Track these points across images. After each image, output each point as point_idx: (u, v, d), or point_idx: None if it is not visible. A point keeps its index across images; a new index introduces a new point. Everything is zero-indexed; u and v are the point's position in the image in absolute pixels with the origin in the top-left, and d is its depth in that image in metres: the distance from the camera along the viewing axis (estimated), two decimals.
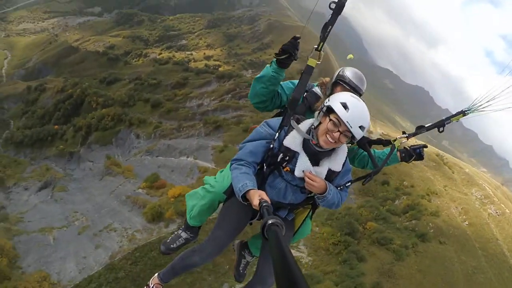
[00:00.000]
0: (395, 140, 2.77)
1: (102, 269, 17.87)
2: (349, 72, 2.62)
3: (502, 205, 26.31)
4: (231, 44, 79.34)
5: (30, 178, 37.64)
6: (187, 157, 35.06)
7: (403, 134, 2.83)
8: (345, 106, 2.00)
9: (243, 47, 78.94)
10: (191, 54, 71.20)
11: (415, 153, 2.73)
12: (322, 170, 2.23)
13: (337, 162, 2.27)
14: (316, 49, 2.33)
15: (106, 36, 77.11)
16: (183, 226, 2.97)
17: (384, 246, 19.10)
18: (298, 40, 2.30)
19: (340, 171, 2.32)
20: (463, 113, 2.69)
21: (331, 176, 2.29)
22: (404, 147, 2.78)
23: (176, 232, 2.97)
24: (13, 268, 18.42)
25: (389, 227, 21.22)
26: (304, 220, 2.65)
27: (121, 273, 17.53)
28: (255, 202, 1.87)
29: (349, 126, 2.00)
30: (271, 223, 1.37)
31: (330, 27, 2.27)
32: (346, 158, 2.34)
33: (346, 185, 2.42)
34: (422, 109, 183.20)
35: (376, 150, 2.91)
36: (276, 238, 1.22)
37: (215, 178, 2.74)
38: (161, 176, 29.45)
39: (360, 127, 2.04)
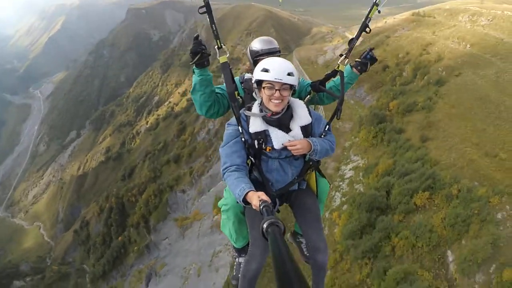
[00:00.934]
0: (338, 67, 3.07)
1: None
2: (256, 44, 3.10)
3: (492, 11, 27.68)
4: (191, 69, 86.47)
5: (132, 286, 44.59)
6: None
7: (340, 56, 3.11)
8: (265, 70, 2.37)
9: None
10: (170, 102, 78.25)
11: (368, 59, 3.04)
12: (296, 131, 2.59)
13: (302, 116, 2.62)
14: (218, 48, 2.74)
15: (97, 146, 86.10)
16: (236, 254, 3.30)
17: (413, 111, 20.89)
18: (200, 38, 2.72)
19: (311, 122, 2.68)
20: (375, 4, 2.96)
21: (307, 130, 2.66)
22: (355, 60, 3.08)
23: (235, 263, 3.28)
24: None
25: (409, 96, 23.02)
26: (316, 180, 3.00)
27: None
28: (255, 203, 2.07)
29: (279, 80, 2.34)
30: (270, 223, 1.53)
31: (213, 25, 2.68)
32: (308, 108, 2.71)
33: (325, 129, 2.76)
34: None
35: (334, 80, 3.19)
36: (274, 239, 1.34)
37: (225, 197, 3.02)
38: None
39: (288, 74, 2.36)
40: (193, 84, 2.89)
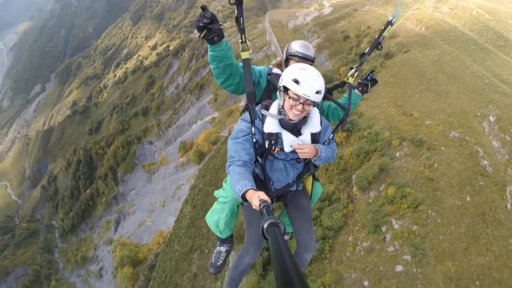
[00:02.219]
0: (348, 79, 3.27)
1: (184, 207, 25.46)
2: (295, 45, 3.13)
3: (459, 1, 29.05)
4: (163, 22, 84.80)
5: (101, 238, 46.53)
6: (195, 123, 42.00)
7: (351, 69, 3.31)
8: (296, 81, 2.40)
9: (175, 17, 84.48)
10: (139, 56, 77.21)
11: (368, 81, 3.30)
12: (306, 136, 2.72)
13: (314, 124, 2.76)
14: (242, 42, 2.64)
15: (63, 100, 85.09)
16: (218, 243, 3.49)
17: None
18: (206, 8, 2.44)
19: (320, 130, 2.82)
20: (390, 24, 3.14)
21: (315, 137, 2.79)
22: (358, 82, 3.33)
23: (215, 251, 3.48)
24: None
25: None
26: (312, 183, 3.24)
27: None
28: (255, 202, 2.11)
29: (307, 97, 2.40)
30: (270, 223, 1.58)
31: (241, 18, 2.56)
32: (321, 117, 2.84)
33: (330, 138, 2.91)
34: None
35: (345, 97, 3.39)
36: (274, 239, 1.38)
37: (223, 189, 3.23)
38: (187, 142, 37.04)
39: (316, 92, 2.42)
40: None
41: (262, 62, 34.76)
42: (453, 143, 14.50)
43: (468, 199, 12.26)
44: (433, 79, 19.79)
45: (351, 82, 3.27)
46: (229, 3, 2.49)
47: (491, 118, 16.10)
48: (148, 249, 28.87)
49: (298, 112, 2.51)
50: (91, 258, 44.25)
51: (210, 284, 18.33)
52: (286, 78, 2.45)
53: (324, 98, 3.10)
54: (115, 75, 75.91)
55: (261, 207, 1.96)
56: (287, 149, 2.66)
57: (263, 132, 2.66)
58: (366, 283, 11.27)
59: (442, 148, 14.45)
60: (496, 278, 10.46)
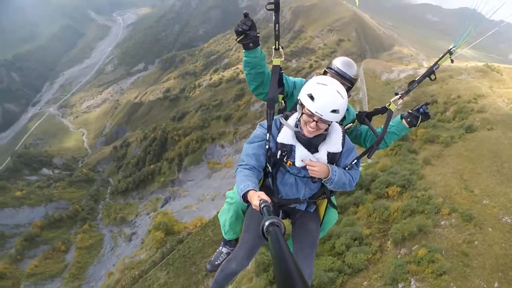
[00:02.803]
0: (389, 105, 3.06)
1: None
2: (336, 60, 3.11)
3: None
4: (267, 45, 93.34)
5: (145, 209, 52.22)
6: None
7: (395, 95, 3.11)
8: (311, 97, 2.31)
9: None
10: (237, 68, 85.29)
11: (420, 114, 3.03)
12: (322, 155, 2.60)
13: (333, 143, 2.61)
14: (275, 49, 2.75)
15: (159, 84, 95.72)
16: (222, 243, 3.54)
17: (434, 142, 23.80)
18: (249, 16, 2.61)
19: (341, 151, 2.67)
20: (449, 52, 2.91)
21: (334, 158, 2.66)
22: (408, 112, 3.10)
23: (218, 250, 3.53)
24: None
25: (438, 130, 25.83)
26: (326, 208, 3.07)
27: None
28: (255, 202, 2.12)
29: (319, 115, 2.30)
30: (270, 223, 1.56)
31: (277, 25, 2.69)
32: (344, 137, 2.68)
33: (353, 163, 2.74)
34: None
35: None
36: (275, 238, 1.38)
37: (233, 190, 3.20)
38: None
39: (332, 111, 2.30)
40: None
41: None
42: (502, 227, 14.32)
43: (496, 285, 11.84)
44: (508, 161, 19.45)
45: (392, 109, 3.08)
46: (266, 9, 2.64)
47: None
48: (184, 227, 33.17)
49: (312, 129, 2.43)
50: (128, 221, 49.60)
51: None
52: (303, 92, 2.39)
53: (361, 122, 3.16)
54: (211, 78, 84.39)
55: (261, 207, 1.97)
56: (298, 163, 2.59)
57: (277, 141, 2.61)
58: None
59: (489, 229, 14.31)
60: None
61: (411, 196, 17.07)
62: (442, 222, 14.86)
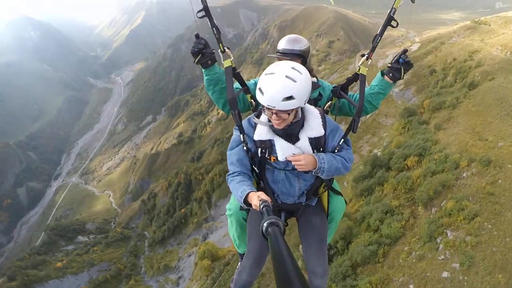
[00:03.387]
0: (359, 69, 2.91)
1: None
2: (280, 42, 3.12)
3: None
4: (263, 66, 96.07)
5: (186, 252, 53.57)
6: None
7: (362, 56, 2.95)
8: (260, 90, 2.23)
9: (273, 61, 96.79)
10: None
11: (401, 64, 2.87)
12: (303, 142, 2.51)
13: (313, 128, 2.51)
14: (222, 52, 2.83)
15: (171, 131, 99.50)
16: (239, 258, 3.53)
17: (441, 108, 24.45)
18: (199, 36, 2.79)
19: (326, 134, 2.58)
20: None
21: (319, 143, 2.57)
22: (388, 67, 2.95)
23: (238, 267, 3.29)
24: None
25: (443, 96, 26.39)
26: (329, 197, 2.96)
27: None
28: (255, 202, 2.13)
29: (272, 107, 2.22)
30: (269, 223, 1.57)
31: (214, 29, 2.80)
32: (324, 118, 2.58)
33: (341, 143, 2.62)
34: None
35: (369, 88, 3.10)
36: (274, 239, 1.40)
37: (230, 202, 3.18)
38: None
39: (285, 99, 2.19)
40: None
41: None
42: None
43: None
44: None
45: (363, 73, 2.88)
46: (197, 17, 2.72)
47: None
48: (228, 250, 34.34)
49: (277, 121, 2.36)
50: (173, 268, 51.07)
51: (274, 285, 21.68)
52: (257, 87, 2.30)
53: (338, 97, 3.04)
54: (218, 113, 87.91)
55: (261, 207, 1.96)
56: (280, 157, 2.52)
57: (254, 140, 2.57)
58: (411, 286, 11.71)
59: (509, 166, 14.69)
60: None
61: (429, 161, 17.77)
62: (464, 174, 15.39)
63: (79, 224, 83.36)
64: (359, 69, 2.95)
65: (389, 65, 2.96)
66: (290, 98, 2.21)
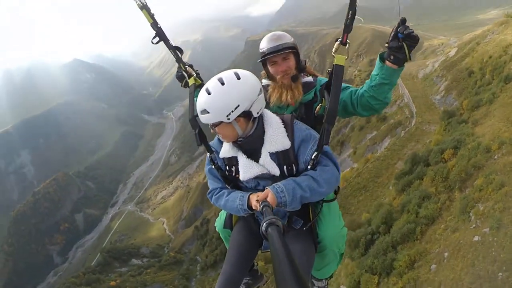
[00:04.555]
0: (334, 60, 2.46)
1: None
2: (263, 43, 2.74)
3: None
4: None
5: None
6: None
7: (335, 41, 2.47)
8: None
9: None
10: None
11: (402, 40, 2.25)
12: (264, 159, 2.33)
13: (272, 141, 2.30)
14: (184, 71, 2.98)
15: None
16: None
17: (479, 106, 24.62)
18: (184, 63, 2.99)
19: (293, 147, 2.32)
20: None
21: (287, 158, 2.32)
22: (386, 47, 2.40)
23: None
24: None
25: (482, 94, 26.58)
26: (315, 220, 2.57)
27: None
28: (254, 203, 2.13)
29: (202, 121, 2.23)
30: (269, 223, 1.56)
31: (171, 51, 2.95)
32: (291, 127, 2.35)
33: (313, 156, 2.29)
34: None
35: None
36: (272, 240, 1.39)
37: (218, 218, 3.08)
38: None
39: (202, 112, 2.17)
40: None
41: (396, 114, 37.96)
42: None
43: None
44: None
45: (339, 63, 2.40)
46: (152, 43, 2.84)
47: None
48: None
49: (220, 136, 2.36)
50: None
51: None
52: None
53: (323, 96, 2.67)
54: None
55: (261, 207, 1.95)
56: (242, 177, 2.38)
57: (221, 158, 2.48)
58: (446, 254, 12.04)
59: None
60: None
61: (463, 151, 18.15)
62: (495, 156, 15.64)
63: (134, 248, 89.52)
64: (335, 58, 2.41)
65: (387, 44, 2.36)
66: (204, 112, 2.16)
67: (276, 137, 2.31)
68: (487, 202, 12.81)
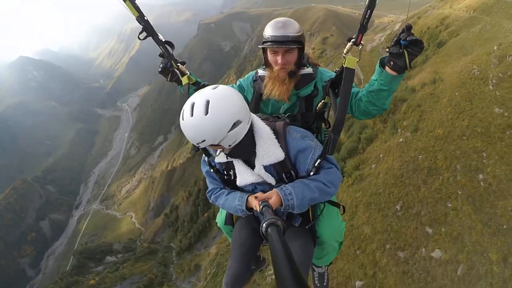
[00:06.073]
0: (345, 61, 2.29)
1: None
2: (267, 29, 2.62)
3: None
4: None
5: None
6: None
7: (348, 41, 2.27)
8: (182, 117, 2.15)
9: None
10: None
11: (404, 46, 2.17)
12: (259, 170, 2.38)
13: (264, 154, 2.32)
14: (176, 68, 2.93)
15: (183, 147, 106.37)
16: None
17: (414, 68, 26.82)
18: (164, 55, 2.92)
19: (288, 157, 2.36)
20: None
21: (285, 167, 2.37)
22: (387, 52, 2.30)
23: None
24: None
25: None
26: (315, 218, 2.64)
27: None
28: (254, 203, 2.19)
29: (197, 146, 2.18)
30: (269, 223, 1.61)
31: (160, 47, 2.89)
32: (284, 137, 2.35)
33: (316, 164, 2.33)
34: None
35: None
36: (274, 240, 1.41)
37: (217, 215, 3.17)
38: None
39: (201, 142, 2.10)
40: None
41: None
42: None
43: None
44: (471, 47, 22.62)
45: (350, 66, 2.26)
46: (139, 38, 2.80)
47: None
48: None
49: (216, 153, 2.44)
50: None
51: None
52: None
53: (327, 94, 2.57)
54: None
55: (261, 207, 2.01)
56: (239, 183, 2.46)
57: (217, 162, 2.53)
58: (381, 155, 16.80)
59: (447, 79, 18.45)
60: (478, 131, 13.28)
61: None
62: (417, 92, 19.90)
63: (106, 246, 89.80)
64: (345, 60, 2.27)
65: (387, 49, 2.28)
66: (203, 142, 2.13)
67: (268, 150, 2.30)
68: (409, 118, 16.95)
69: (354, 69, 2.28)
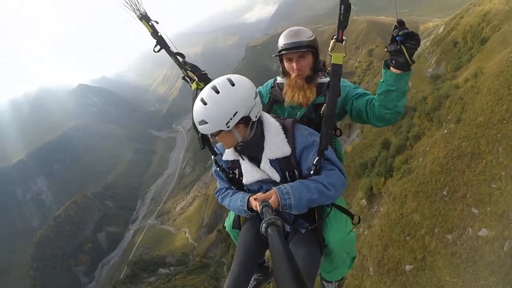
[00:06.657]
0: (333, 59, 2.42)
1: None
2: (280, 39, 2.79)
3: None
4: None
5: None
6: None
7: (331, 40, 2.41)
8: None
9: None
10: None
11: (400, 43, 2.23)
12: (264, 165, 2.43)
13: (272, 147, 2.38)
14: (186, 75, 3.10)
15: None
16: None
17: (461, 68, 27.88)
18: (187, 63, 3.12)
19: (294, 153, 2.39)
20: None
21: (289, 164, 2.40)
22: (387, 52, 2.36)
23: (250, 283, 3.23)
24: None
25: (461, 57, 29.92)
26: (321, 223, 2.60)
27: None
28: (254, 204, 2.21)
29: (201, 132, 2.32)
30: (268, 223, 1.59)
31: (173, 58, 2.98)
32: (292, 133, 2.42)
33: (315, 162, 2.35)
34: None
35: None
36: (273, 240, 1.40)
37: (227, 218, 3.17)
38: None
39: (200, 123, 2.26)
40: None
41: None
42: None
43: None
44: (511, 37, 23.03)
45: (337, 62, 2.41)
46: (154, 51, 2.89)
47: None
48: None
49: (221, 143, 2.47)
50: None
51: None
52: None
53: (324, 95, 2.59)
54: None
55: (261, 207, 2.01)
56: (245, 181, 2.53)
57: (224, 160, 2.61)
58: (428, 148, 17.42)
59: (487, 71, 18.90)
60: None
61: (437, 92, 23.73)
62: (461, 88, 20.71)
63: (160, 258, 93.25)
64: (331, 57, 2.41)
65: (386, 49, 2.34)
66: (202, 122, 2.25)
67: (275, 144, 2.38)
68: (452, 112, 17.83)
69: (341, 64, 2.40)
